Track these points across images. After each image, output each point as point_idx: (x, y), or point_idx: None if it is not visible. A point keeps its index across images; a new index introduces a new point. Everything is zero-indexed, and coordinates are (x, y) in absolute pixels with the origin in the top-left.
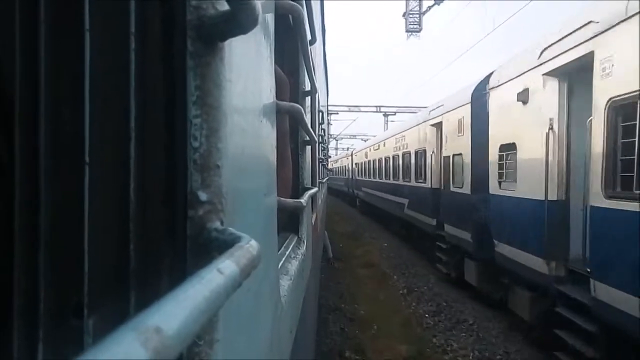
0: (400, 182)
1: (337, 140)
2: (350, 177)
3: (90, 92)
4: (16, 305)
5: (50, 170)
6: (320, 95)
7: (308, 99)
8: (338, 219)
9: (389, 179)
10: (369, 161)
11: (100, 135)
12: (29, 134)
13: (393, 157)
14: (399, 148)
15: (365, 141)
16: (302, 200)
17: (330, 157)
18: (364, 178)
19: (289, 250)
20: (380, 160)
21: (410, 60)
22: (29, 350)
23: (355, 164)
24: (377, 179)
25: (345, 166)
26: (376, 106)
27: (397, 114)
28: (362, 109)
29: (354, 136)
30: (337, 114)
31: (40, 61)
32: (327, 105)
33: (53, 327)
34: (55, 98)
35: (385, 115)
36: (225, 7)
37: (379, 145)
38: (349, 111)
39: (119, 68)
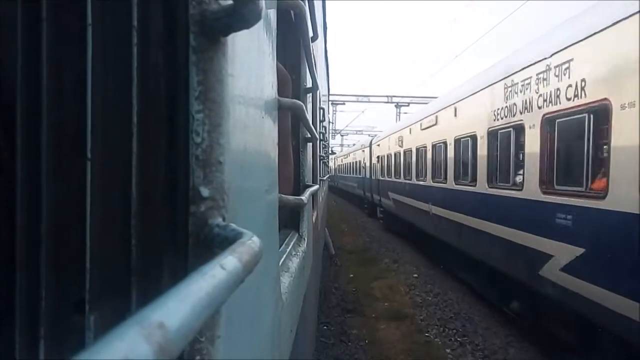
0: (537, 195)
1: (342, 135)
2: (368, 176)
3: (92, 88)
4: (18, 301)
5: (52, 166)
6: (322, 92)
7: (309, 95)
8: (346, 229)
9: (473, 183)
10: (405, 152)
11: (102, 130)
12: (30, 130)
13: (491, 134)
14: (518, 109)
15: (373, 136)
16: (303, 198)
17: (334, 153)
18: (394, 179)
19: (289, 247)
20: (437, 147)
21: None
22: (30, 347)
23: (378, 157)
24: (431, 183)
25: (359, 162)
26: (387, 96)
27: (410, 104)
28: (372, 99)
29: (360, 131)
30: (344, 104)
31: (42, 56)
32: (328, 101)
33: (54, 324)
34: (57, 93)
35: (398, 106)
36: (228, 1)
37: (434, 119)
38: (357, 101)
39: (121, 63)
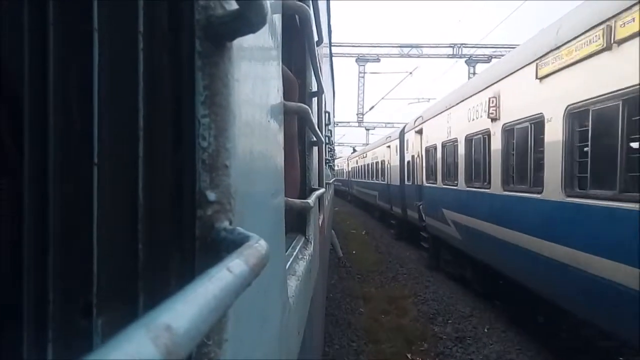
0: None
1: (367, 129)
2: None
3: (98, 93)
4: (26, 305)
5: (59, 171)
6: (327, 96)
7: (315, 99)
8: None
9: None
10: None
11: (108, 135)
12: (38, 135)
13: None
14: None
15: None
16: (309, 201)
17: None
18: None
19: (296, 250)
20: None
21: None
22: (38, 350)
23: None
24: None
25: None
26: (452, 45)
27: (492, 58)
28: (425, 50)
29: (390, 124)
30: (379, 60)
31: (48, 61)
32: (334, 105)
33: (62, 327)
34: (63, 98)
35: (471, 62)
36: (233, 6)
37: None
38: (401, 56)
39: (127, 68)
